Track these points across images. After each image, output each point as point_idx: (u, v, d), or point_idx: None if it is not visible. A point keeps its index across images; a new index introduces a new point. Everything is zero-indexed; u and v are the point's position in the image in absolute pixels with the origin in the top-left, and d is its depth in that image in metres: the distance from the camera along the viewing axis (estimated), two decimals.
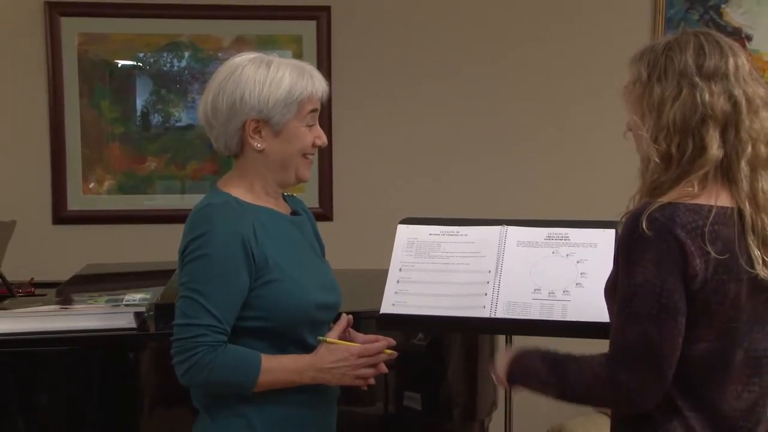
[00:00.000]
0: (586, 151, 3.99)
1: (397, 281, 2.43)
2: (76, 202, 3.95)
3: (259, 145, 2.10)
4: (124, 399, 2.54)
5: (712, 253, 1.70)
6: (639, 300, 1.73)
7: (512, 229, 2.46)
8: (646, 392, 1.75)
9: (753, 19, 4.14)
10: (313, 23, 3.95)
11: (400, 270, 2.45)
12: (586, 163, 3.98)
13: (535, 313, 2.34)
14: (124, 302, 2.66)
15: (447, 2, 4.04)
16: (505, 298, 2.37)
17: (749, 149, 1.75)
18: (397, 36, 4.03)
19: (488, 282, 2.40)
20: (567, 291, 2.34)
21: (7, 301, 2.80)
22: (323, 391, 2.14)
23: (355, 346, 2.11)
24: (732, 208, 1.75)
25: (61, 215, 3.94)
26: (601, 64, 3.91)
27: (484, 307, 2.37)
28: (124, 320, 2.54)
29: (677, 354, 1.73)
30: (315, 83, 2.12)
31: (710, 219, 1.71)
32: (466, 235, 2.45)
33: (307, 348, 2.10)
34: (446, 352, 2.99)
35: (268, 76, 2.08)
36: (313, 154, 2.18)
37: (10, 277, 3.14)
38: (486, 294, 2.38)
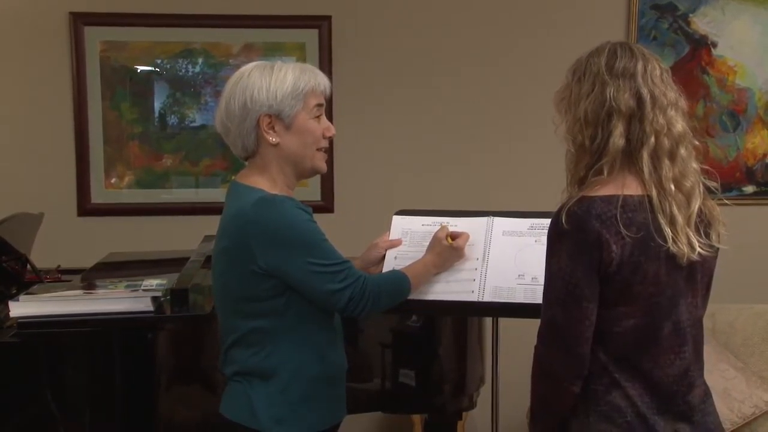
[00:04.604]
0: (564, 151, 3.96)
1: (393, 269, 2.41)
2: (99, 196, 3.93)
3: (273, 139, 2.11)
4: (142, 376, 2.53)
5: (627, 238, 1.73)
6: (552, 286, 1.80)
7: (498, 220, 2.45)
8: (558, 367, 1.81)
9: (718, 27, 4.12)
10: (315, 31, 3.94)
11: (395, 258, 2.43)
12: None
13: (519, 297, 2.33)
14: (142, 287, 2.64)
15: (437, 12, 4.02)
16: (491, 284, 2.36)
17: (652, 140, 1.79)
18: (392, 42, 4.02)
19: (476, 269, 2.38)
20: None
21: (35, 287, 2.77)
22: (337, 367, 2.21)
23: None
24: (643, 195, 1.78)
25: (85, 208, 3.93)
26: None
27: (473, 291, 2.36)
28: (143, 304, 2.53)
29: (585, 334, 1.78)
30: (317, 77, 2.15)
31: (623, 206, 1.75)
32: (456, 225, 2.43)
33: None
34: (438, 332, 2.98)
35: (273, 75, 2.10)
36: (326, 147, 2.21)
37: (39, 265, 3.12)
38: (474, 280, 2.37)
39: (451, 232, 2.37)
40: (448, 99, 4.06)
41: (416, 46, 4.02)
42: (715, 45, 4.12)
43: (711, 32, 4.12)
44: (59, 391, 2.47)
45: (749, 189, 4.21)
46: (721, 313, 3.71)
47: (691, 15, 4.10)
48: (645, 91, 1.80)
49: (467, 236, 2.38)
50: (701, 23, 4.11)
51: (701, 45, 4.11)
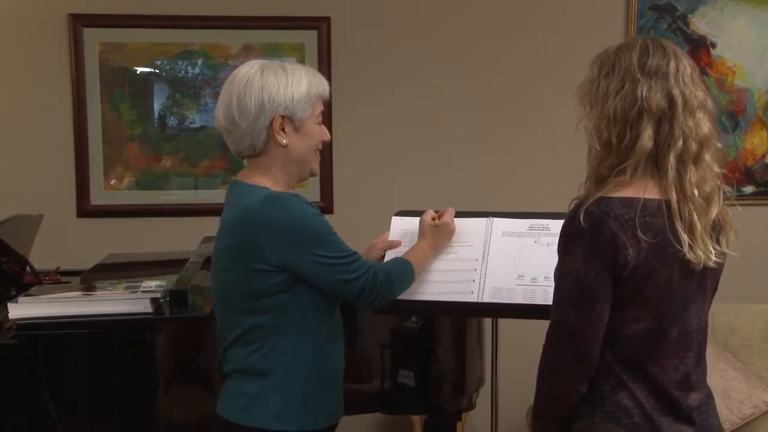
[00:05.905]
0: (563, 151, 3.96)
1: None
2: (98, 197, 3.93)
3: (284, 140, 2.13)
4: (141, 377, 2.52)
5: (643, 242, 1.72)
6: (565, 285, 1.78)
7: (498, 221, 2.45)
8: (568, 367, 1.80)
9: (717, 27, 4.12)
10: (314, 32, 3.94)
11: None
12: (565, 162, 3.96)
13: (518, 298, 2.33)
14: (141, 289, 2.64)
15: (437, 12, 4.02)
16: (491, 284, 2.36)
17: (680, 144, 1.76)
18: (391, 43, 4.01)
19: (476, 269, 2.38)
20: (548, 277, 2.32)
21: (34, 288, 2.77)
22: (336, 367, 2.21)
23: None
24: (661, 199, 1.76)
25: (85, 209, 3.92)
26: (578, 68, 3.87)
27: (472, 292, 2.36)
28: (142, 305, 2.53)
29: (597, 335, 1.76)
30: (324, 84, 2.20)
31: (642, 211, 1.73)
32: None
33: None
34: (437, 333, 2.98)
35: (288, 77, 2.13)
36: (321, 149, 2.24)
37: (38, 266, 3.12)
38: (474, 280, 2.37)
39: (436, 213, 2.42)
40: (448, 99, 4.05)
41: (416, 47, 4.02)
42: (714, 45, 4.12)
43: (710, 33, 4.12)
44: (58, 392, 2.47)
45: (748, 189, 4.20)
46: (721, 313, 3.71)
47: (689, 15, 4.10)
48: (677, 92, 1.77)
49: (452, 211, 2.43)
50: (700, 24, 4.11)
51: (700, 45, 4.10)
